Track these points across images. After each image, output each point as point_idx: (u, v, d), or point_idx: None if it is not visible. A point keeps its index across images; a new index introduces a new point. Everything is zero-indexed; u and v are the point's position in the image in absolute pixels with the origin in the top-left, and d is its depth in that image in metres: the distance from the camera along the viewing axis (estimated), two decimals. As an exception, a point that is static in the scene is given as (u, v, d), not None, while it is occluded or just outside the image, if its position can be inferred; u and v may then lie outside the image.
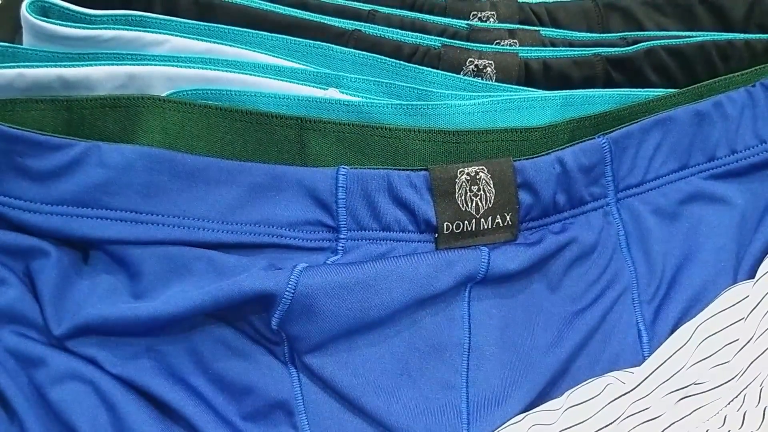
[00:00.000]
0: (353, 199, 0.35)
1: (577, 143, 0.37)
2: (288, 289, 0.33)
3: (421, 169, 0.35)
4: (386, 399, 0.34)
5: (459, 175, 0.35)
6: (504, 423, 0.34)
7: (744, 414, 0.33)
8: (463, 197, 0.35)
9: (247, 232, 0.34)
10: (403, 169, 0.35)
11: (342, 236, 0.35)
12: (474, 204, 0.35)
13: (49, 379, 0.33)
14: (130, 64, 0.38)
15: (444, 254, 0.35)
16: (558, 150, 0.36)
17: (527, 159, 0.36)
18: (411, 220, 0.35)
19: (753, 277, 0.37)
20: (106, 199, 0.33)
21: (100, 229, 0.33)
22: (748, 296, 0.36)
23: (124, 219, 0.33)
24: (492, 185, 0.35)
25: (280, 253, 0.35)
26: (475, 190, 0.35)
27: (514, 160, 0.36)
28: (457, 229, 0.35)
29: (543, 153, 0.36)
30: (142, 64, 0.38)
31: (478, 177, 0.35)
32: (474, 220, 0.35)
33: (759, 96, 0.39)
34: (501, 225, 0.35)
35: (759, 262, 0.38)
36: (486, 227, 0.35)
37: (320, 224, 0.35)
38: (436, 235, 0.35)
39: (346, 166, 0.35)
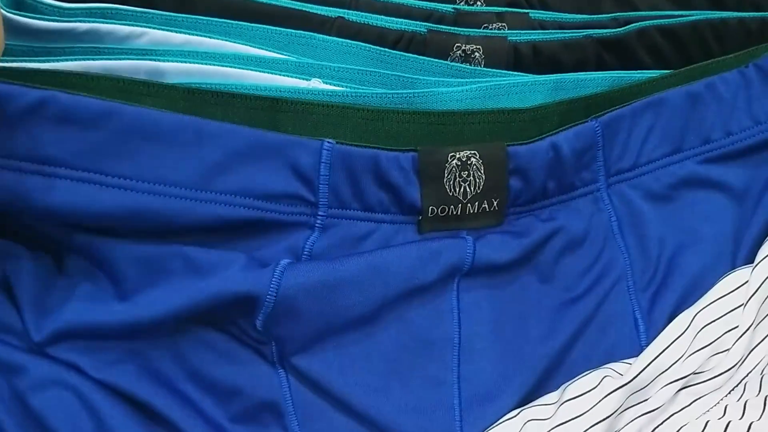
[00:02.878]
0: (336, 176, 0.33)
1: (570, 127, 0.36)
2: (270, 291, 0.32)
3: (409, 150, 0.34)
4: (376, 398, 0.33)
5: (449, 160, 0.34)
6: (498, 418, 0.33)
7: (745, 404, 0.33)
8: (451, 182, 0.34)
9: (222, 202, 0.32)
10: (392, 150, 0.34)
11: (321, 213, 0.33)
12: (462, 189, 0.34)
13: (30, 385, 0.32)
14: (107, 59, 0.37)
15: (428, 245, 0.34)
16: (551, 135, 0.35)
17: (520, 144, 0.35)
18: (394, 202, 0.34)
19: (752, 262, 0.36)
20: (65, 156, 0.30)
21: (57, 192, 0.30)
22: (747, 282, 0.35)
23: (88, 180, 0.30)
24: (483, 171, 0.34)
25: (255, 233, 0.33)
26: (464, 176, 0.34)
27: (507, 145, 0.34)
28: (441, 213, 0.34)
29: (536, 138, 0.35)
30: (119, 59, 0.37)
31: (469, 162, 0.34)
32: (460, 205, 0.34)
33: (753, 77, 0.38)
34: (487, 210, 0.34)
35: (758, 246, 0.37)
36: (472, 212, 0.34)
37: (299, 198, 0.33)
38: (420, 217, 0.34)
39: (331, 141, 0.33)
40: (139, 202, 0.31)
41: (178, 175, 0.32)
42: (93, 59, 0.36)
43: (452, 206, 0.34)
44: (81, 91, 0.31)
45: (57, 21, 0.37)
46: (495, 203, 0.34)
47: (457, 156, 0.34)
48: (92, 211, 0.31)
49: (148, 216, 0.32)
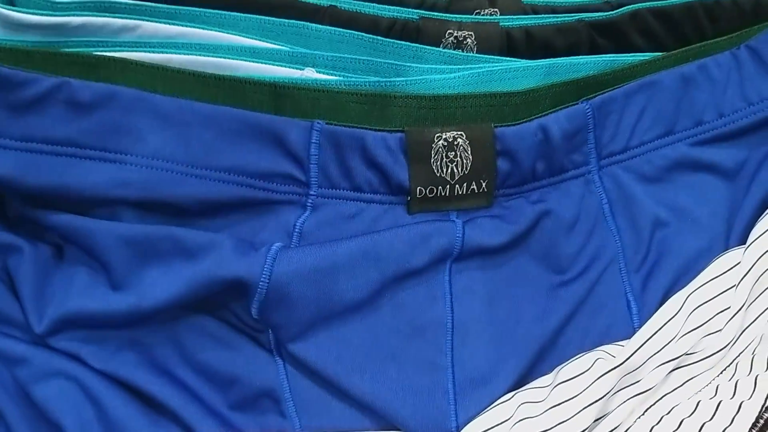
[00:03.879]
0: (325, 155, 0.34)
1: (560, 109, 0.36)
2: (263, 278, 0.32)
3: (397, 131, 0.34)
4: (371, 382, 0.33)
5: (436, 140, 0.34)
6: (492, 401, 0.34)
7: (736, 383, 0.33)
8: (438, 162, 0.34)
9: (216, 179, 0.33)
10: (379, 130, 0.34)
11: (312, 192, 0.34)
12: (449, 170, 0.34)
13: (32, 377, 0.33)
14: (102, 51, 0.37)
15: (417, 228, 0.34)
16: (540, 116, 0.35)
17: (508, 126, 0.35)
18: (383, 182, 0.34)
19: (744, 243, 0.37)
20: (75, 136, 0.32)
21: (66, 169, 0.32)
22: (739, 263, 0.35)
23: (92, 157, 0.32)
24: (469, 152, 0.34)
25: (247, 211, 0.34)
26: (451, 156, 0.34)
27: (495, 126, 0.35)
28: (430, 194, 0.34)
29: (525, 119, 0.35)
30: (113, 51, 0.37)
31: (455, 143, 0.34)
32: (448, 186, 0.34)
33: (745, 58, 0.38)
34: (476, 191, 0.35)
35: (750, 227, 0.37)
36: (460, 193, 0.35)
37: (290, 178, 0.34)
38: (409, 198, 0.35)
39: (321, 121, 0.34)
40: (134, 174, 0.33)
41: (175, 151, 0.33)
42: (87, 52, 0.37)
43: (440, 187, 0.34)
44: (92, 72, 0.34)
45: (50, 15, 0.37)
46: (484, 184, 0.35)
47: (444, 136, 0.34)
48: (93, 186, 0.33)
49: (143, 189, 0.33)
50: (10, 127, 0.32)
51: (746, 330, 0.34)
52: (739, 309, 0.34)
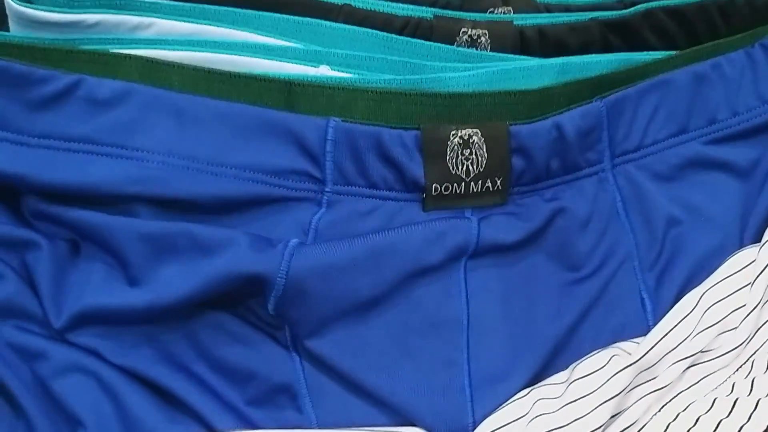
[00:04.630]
0: (341, 153, 0.34)
1: (575, 107, 0.36)
2: (280, 273, 0.32)
3: (412, 128, 0.34)
4: (388, 379, 0.33)
5: (451, 138, 0.34)
6: (508, 398, 0.34)
7: (752, 381, 0.33)
8: (454, 160, 0.34)
9: (232, 176, 0.33)
10: (395, 127, 0.34)
11: (327, 189, 0.34)
12: (465, 168, 0.34)
13: (51, 371, 0.33)
14: (118, 48, 0.37)
15: (432, 226, 0.34)
16: (555, 115, 0.35)
17: (524, 123, 0.35)
18: (398, 179, 0.34)
19: (759, 241, 0.37)
20: (92, 133, 0.33)
21: (83, 166, 0.32)
22: (754, 260, 0.36)
23: (108, 154, 0.33)
24: (485, 149, 0.34)
25: (263, 208, 0.34)
26: (467, 154, 0.34)
27: (510, 124, 0.35)
28: (445, 191, 0.35)
29: (540, 117, 0.35)
30: (130, 48, 0.37)
31: (471, 140, 0.34)
32: (463, 183, 0.35)
33: (759, 57, 0.38)
34: (491, 189, 0.35)
35: (764, 225, 0.37)
36: (475, 190, 0.35)
37: (306, 174, 0.34)
38: (424, 195, 0.35)
39: (336, 118, 0.34)
40: (151, 171, 0.33)
41: (191, 149, 0.33)
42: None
43: (455, 184, 0.35)
44: (109, 70, 0.34)
45: (67, 12, 0.37)
46: (498, 182, 0.35)
47: (459, 134, 0.34)
48: (110, 182, 0.33)
49: (160, 185, 0.33)
50: (28, 124, 0.33)
51: (762, 328, 0.34)
52: (755, 307, 0.34)
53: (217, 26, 0.38)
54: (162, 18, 0.38)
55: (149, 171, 0.33)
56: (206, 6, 0.38)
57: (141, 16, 0.38)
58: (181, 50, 0.37)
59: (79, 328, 0.33)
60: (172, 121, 0.33)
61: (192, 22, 0.38)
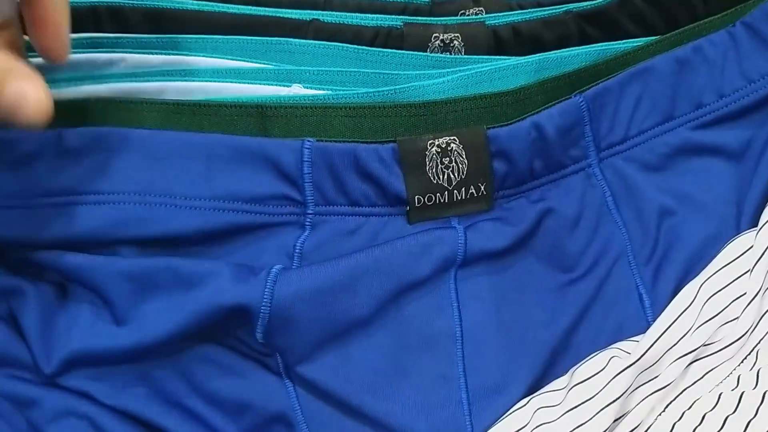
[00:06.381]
0: (319, 173, 0.33)
1: (553, 105, 0.35)
2: (264, 301, 0.32)
3: (388, 141, 0.34)
4: (384, 400, 0.33)
5: (429, 147, 0.33)
6: (507, 409, 0.33)
7: (758, 372, 0.32)
8: (434, 169, 0.34)
9: (210, 208, 0.33)
10: (371, 142, 0.34)
11: (309, 211, 0.34)
12: (445, 176, 0.34)
13: (45, 418, 0.33)
14: (90, 84, 0.37)
15: (417, 239, 0.34)
16: (533, 114, 0.35)
17: (501, 126, 0.34)
18: (380, 194, 0.34)
19: (756, 225, 0.35)
20: (70, 183, 0.32)
21: (67, 219, 0.32)
22: (751, 247, 0.34)
23: (87, 202, 0.33)
24: (464, 156, 0.34)
25: (245, 237, 0.34)
26: (446, 162, 0.34)
27: (487, 128, 0.34)
28: (429, 202, 0.34)
29: (517, 118, 0.35)
30: (101, 83, 0.37)
31: (449, 148, 0.34)
32: (446, 192, 0.34)
33: (741, 35, 0.36)
34: (475, 195, 0.34)
35: (761, 208, 0.36)
36: (459, 198, 0.34)
37: (286, 198, 0.34)
38: (408, 208, 0.34)
39: (311, 139, 0.33)
40: (129, 213, 0.33)
41: (166, 185, 0.33)
42: (75, 86, 0.37)
43: (438, 194, 0.34)
44: (76, 114, 0.34)
45: (34, 56, 0.37)
46: (482, 188, 0.34)
47: (436, 143, 0.33)
48: (91, 230, 0.33)
49: (139, 226, 0.33)
50: (10, 186, 0.32)
51: (765, 316, 0.33)
52: (756, 294, 0.33)
53: (187, 55, 0.38)
54: (131, 53, 0.38)
55: (126, 213, 0.33)
56: (173, 36, 0.38)
57: (110, 53, 0.38)
58: (153, 81, 0.37)
59: (69, 372, 0.33)
60: (144, 159, 0.33)
61: (161, 54, 0.38)
